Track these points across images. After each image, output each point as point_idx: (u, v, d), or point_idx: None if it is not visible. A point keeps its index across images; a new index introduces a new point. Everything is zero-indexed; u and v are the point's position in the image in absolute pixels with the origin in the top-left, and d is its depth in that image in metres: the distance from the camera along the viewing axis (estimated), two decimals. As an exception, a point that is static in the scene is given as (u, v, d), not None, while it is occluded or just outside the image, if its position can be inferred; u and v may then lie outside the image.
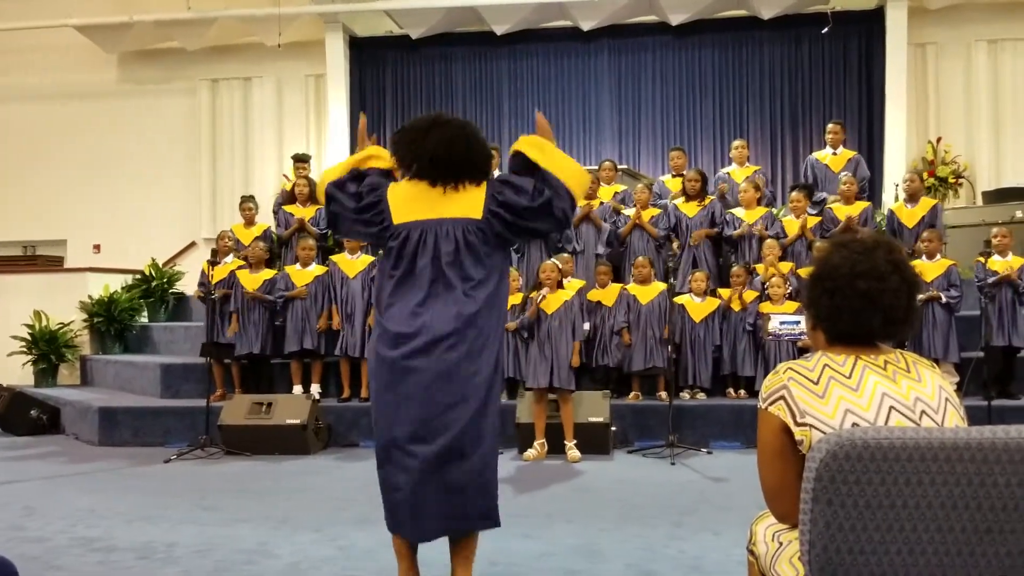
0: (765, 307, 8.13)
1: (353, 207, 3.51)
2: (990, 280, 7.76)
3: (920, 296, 2.23)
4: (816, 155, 9.87)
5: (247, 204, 9.65)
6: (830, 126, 9.82)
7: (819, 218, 8.93)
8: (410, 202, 3.45)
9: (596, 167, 9.91)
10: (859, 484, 1.84)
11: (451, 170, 3.43)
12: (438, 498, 3.29)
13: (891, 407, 2.05)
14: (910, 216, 8.65)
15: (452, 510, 3.31)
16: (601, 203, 9.08)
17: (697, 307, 8.28)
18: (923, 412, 2.06)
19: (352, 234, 4.03)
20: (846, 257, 2.17)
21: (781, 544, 2.26)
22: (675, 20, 12.87)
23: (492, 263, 3.44)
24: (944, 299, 7.80)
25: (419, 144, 3.46)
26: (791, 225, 8.82)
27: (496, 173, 9.60)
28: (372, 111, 14.14)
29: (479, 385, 3.34)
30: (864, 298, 2.13)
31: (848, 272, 2.15)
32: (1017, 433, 1.84)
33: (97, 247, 14.12)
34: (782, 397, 2.12)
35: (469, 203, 3.43)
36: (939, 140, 12.68)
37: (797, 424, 2.08)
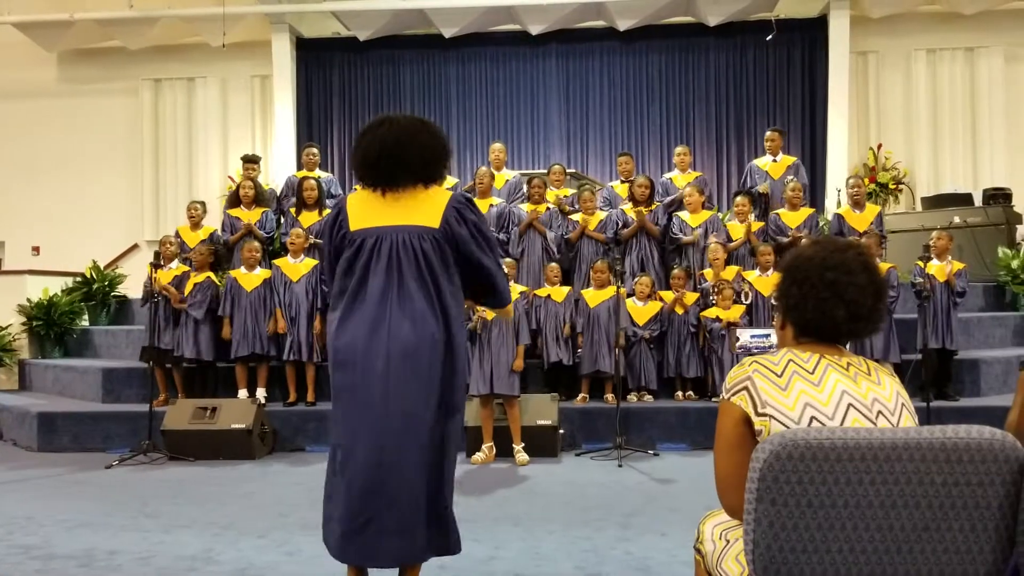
0: (716, 312, 8.20)
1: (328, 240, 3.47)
2: (921, 282, 7.91)
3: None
4: (756, 162, 10.03)
5: (193, 206, 9.53)
6: (768, 133, 9.98)
7: (762, 223, 9.07)
8: (365, 209, 3.36)
9: (545, 171, 9.95)
10: (802, 484, 1.88)
11: (382, 172, 3.32)
12: (382, 525, 3.18)
13: (850, 404, 2.10)
14: (860, 221, 8.80)
15: (394, 542, 3.20)
16: (548, 208, 9.12)
17: (640, 310, 8.35)
18: (880, 412, 2.10)
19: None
20: (818, 251, 2.24)
21: (728, 542, 2.30)
22: (623, 25, 12.97)
23: (448, 281, 3.33)
24: (884, 304, 7.91)
25: (356, 147, 3.40)
26: (736, 230, 8.96)
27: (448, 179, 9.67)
28: (319, 113, 14.07)
29: (436, 408, 3.26)
30: (830, 288, 2.18)
31: (819, 264, 2.21)
32: (954, 433, 1.89)
33: (36, 249, 13.82)
34: (745, 388, 2.15)
35: (426, 210, 3.33)
36: (880, 147, 12.95)
37: (757, 414, 2.12)
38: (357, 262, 3.30)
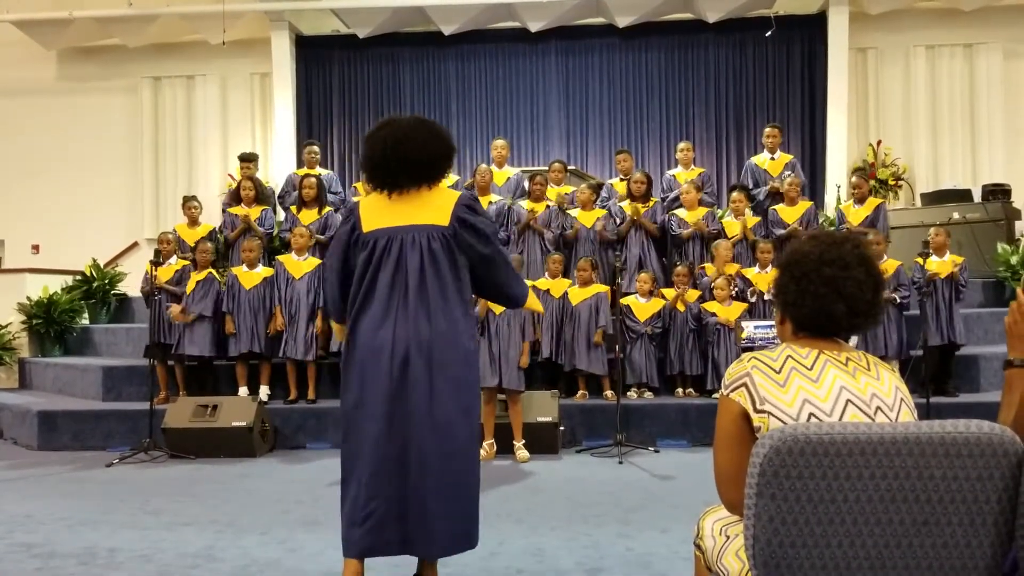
0: (713, 307, 8.23)
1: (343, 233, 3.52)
2: (924, 278, 7.93)
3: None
4: (755, 159, 10.04)
5: (191, 204, 9.51)
6: (767, 130, 9.98)
7: (758, 219, 9.09)
8: (377, 211, 3.43)
9: (546, 168, 9.95)
10: (802, 479, 1.88)
11: (386, 175, 3.39)
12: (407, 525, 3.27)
13: (848, 400, 2.10)
14: (856, 215, 8.85)
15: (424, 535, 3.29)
16: (548, 207, 9.13)
17: (642, 307, 8.36)
18: (878, 408, 2.11)
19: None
20: (815, 246, 2.24)
21: (728, 538, 2.30)
22: (622, 22, 12.96)
23: (456, 279, 3.39)
24: (898, 299, 7.96)
25: (363, 151, 3.48)
26: (731, 226, 8.97)
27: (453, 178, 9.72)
28: (318, 111, 14.06)
29: (444, 403, 3.30)
30: (829, 284, 2.18)
31: (816, 259, 2.21)
32: (953, 427, 1.90)
33: (36, 247, 13.81)
34: (744, 384, 2.16)
35: (435, 209, 3.39)
36: (879, 143, 12.94)
37: (756, 411, 2.12)
38: (369, 263, 3.37)
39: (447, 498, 3.29)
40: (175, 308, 8.29)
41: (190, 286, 8.45)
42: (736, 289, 8.36)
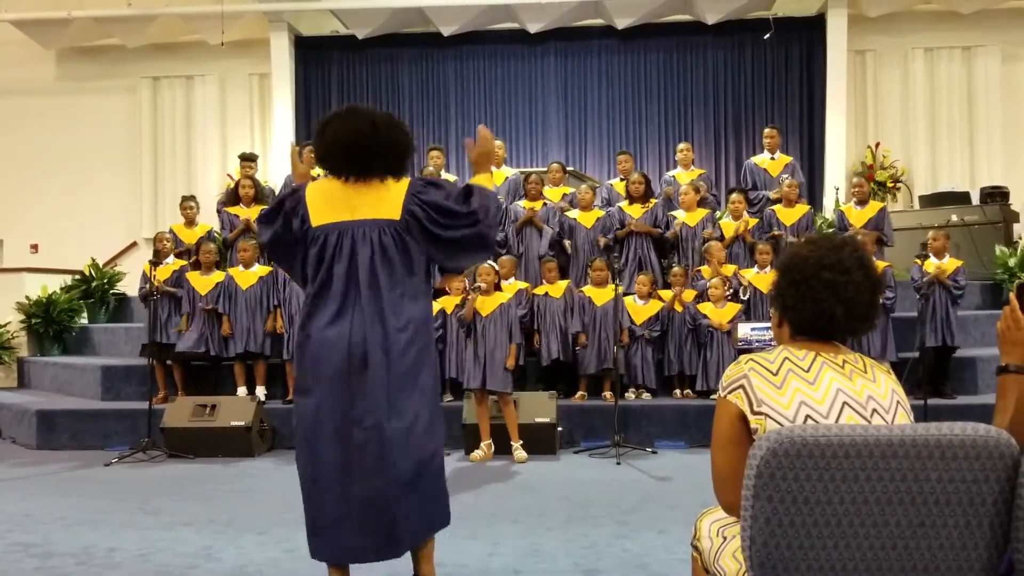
0: (707, 309, 8.25)
1: (277, 219, 3.37)
2: (924, 280, 7.96)
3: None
4: (754, 160, 10.07)
5: (188, 204, 9.50)
6: (767, 131, 10.01)
7: (757, 219, 9.10)
8: (327, 202, 3.31)
9: (544, 169, 9.96)
10: (798, 481, 1.89)
11: (350, 159, 3.26)
12: (372, 519, 3.19)
13: (844, 403, 2.11)
14: (858, 217, 8.84)
15: (386, 532, 3.21)
16: (545, 204, 9.14)
17: (640, 309, 8.37)
18: (875, 411, 2.11)
19: (285, 252, 3.42)
20: (814, 251, 2.25)
21: (725, 539, 2.31)
22: (621, 24, 12.98)
23: (410, 274, 3.30)
24: (880, 300, 7.94)
25: (321, 134, 3.33)
26: (729, 227, 8.98)
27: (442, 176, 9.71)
28: (317, 111, 14.03)
29: (401, 403, 3.22)
30: (828, 289, 2.19)
31: (815, 263, 2.22)
32: (949, 430, 1.91)
33: (35, 247, 13.81)
34: (741, 386, 2.17)
35: (387, 203, 3.28)
36: (878, 145, 12.95)
37: (753, 413, 2.13)
38: (322, 261, 3.27)
39: (408, 497, 3.21)
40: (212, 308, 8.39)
41: (206, 287, 8.41)
42: (731, 291, 8.36)
